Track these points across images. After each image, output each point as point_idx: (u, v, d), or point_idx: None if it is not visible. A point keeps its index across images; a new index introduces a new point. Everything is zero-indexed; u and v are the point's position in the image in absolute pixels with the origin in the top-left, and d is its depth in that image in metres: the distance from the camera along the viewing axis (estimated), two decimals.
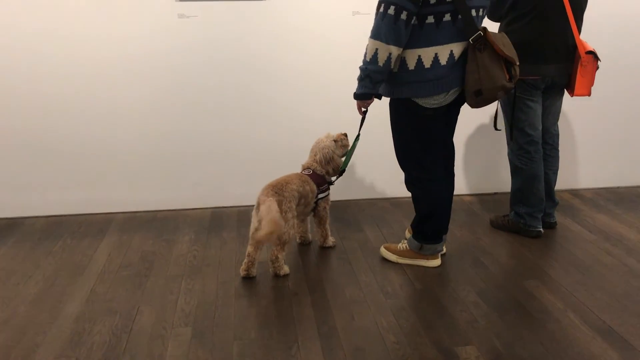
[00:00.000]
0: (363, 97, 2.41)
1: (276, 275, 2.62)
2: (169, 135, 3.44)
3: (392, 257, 2.76)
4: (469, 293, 2.52)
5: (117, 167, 3.44)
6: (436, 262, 2.73)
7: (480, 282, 2.61)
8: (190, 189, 3.56)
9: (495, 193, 3.85)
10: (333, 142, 2.84)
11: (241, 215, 3.48)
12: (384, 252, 2.80)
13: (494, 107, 2.55)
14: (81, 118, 3.33)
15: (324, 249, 2.94)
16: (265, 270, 2.69)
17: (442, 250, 2.78)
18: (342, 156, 2.88)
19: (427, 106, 2.40)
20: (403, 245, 2.77)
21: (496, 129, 2.68)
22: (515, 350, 2.10)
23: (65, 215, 3.45)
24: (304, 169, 2.82)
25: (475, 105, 2.42)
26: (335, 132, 2.94)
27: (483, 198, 3.77)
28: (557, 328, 2.24)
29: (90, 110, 3.32)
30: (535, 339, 2.17)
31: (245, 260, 2.62)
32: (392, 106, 2.51)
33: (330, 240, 2.94)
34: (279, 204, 2.52)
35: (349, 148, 2.85)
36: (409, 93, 2.38)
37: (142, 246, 3.02)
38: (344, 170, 2.87)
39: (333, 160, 2.82)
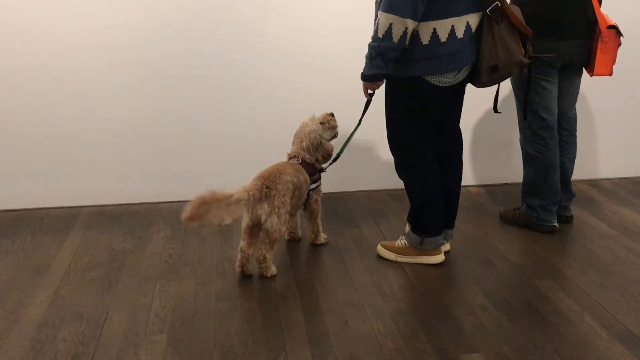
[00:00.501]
0: (373, 78, 2.39)
1: (262, 276, 2.63)
2: (142, 119, 3.42)
3: (391, 256, 2.78)
4: (475, 294, 2.53)
5: (83, 155, 3.42)
6: (439, 257, 2.75)
7: (489, 283, 2.63)
8: (165, 180, 3.55)
9: (506, 184, 3.87)
10: (320, 125, 2.82)
11: None
12: (381, 250, 2.82)
13: (495, 87, 2.57)
14: (41, 100, 3.30)
15: (315, 247, 2.95)
16: (251, 270, 2.70)
17: (445, 242, 2.79)
18: (331, 139, 2.88)
19: (439, 84, 2.40)
20: (402, 241, 2.78)
21: (496, 111, 2.70)
22: (526, 358, 2.12)
23: (24, 210, 3.44)
24: (290, 159, 2.81)
25: (489, 82, 2.43)
26: (321, 112, 2.92)
27: (492, 189, 3.78)
28: (572, 333, 2.27)
29: (53, 92, 3.30)
30: (548, 345, 2.19)
31: (239, 256, 2.64)
32: (391, 85, 2.51)
33: (322, 237, 2.95)
34: (271, 198, 2.51)
35: (349, 136, 2.84)
36: (422, 71, 2.36)
37: (111, 244, 3.02)
38: (338, 156, 2.87)
39: (322, 146, 2.81)
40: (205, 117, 3.45)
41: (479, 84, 2.49)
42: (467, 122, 3.69)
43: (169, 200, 3.57)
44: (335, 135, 2.89)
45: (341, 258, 2.85)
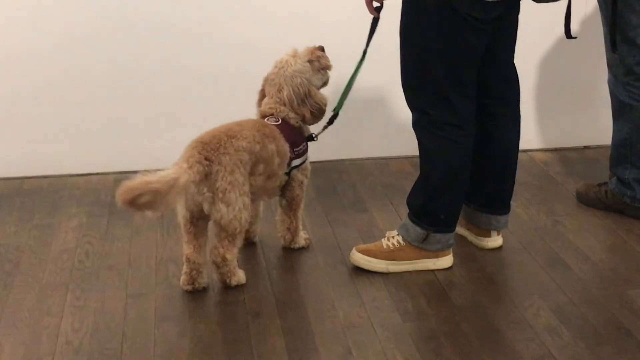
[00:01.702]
0: None
1: (225, 286, 2.63)
2: (38, 58, 3.44)
3: (378, 265, 2.75)
4: (540, 310, 2.54)
5: None
6: (448, 260, 2.78)
7: (559, 294, 2.64)
8: (79, 143, 3.55)
9: (586, 147, 3.87)
10: (307, 63, 2.79)
11: None
12: (359, 258, 2.76)
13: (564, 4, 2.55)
14: None
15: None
16: (204, 283, 2.67)
17: (454, 243, 2.80)
18: (321, 87, 2.84)
19: None
20: (392, 240, 2.76)
21: (569, 36, 2.67)
22: None
23: None
24: (264, 117, 2.76)
25: None
26: (304, 46, 2.88)
27: (566, 156, 3.79)
28: None
29: None
30: None
31: (185, 267, 2.61)
32: (413, 1, 2.50)
33: (302, 238, 2.92)
34: (212, 176, 2.48)
35: (350, 78, 2.80)
36: None
37: None
38: (336, 115, 2.84)
39: (311, 97, 2.76)
40: (143, 59, 3.49)
41: None
42: (529, 58, 3.68)
43: (86, 172, 3.56)
44: (326, 82, 2.85)
45: (342, 258, 2.86)
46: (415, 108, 2.66)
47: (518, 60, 3.66)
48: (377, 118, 3.70)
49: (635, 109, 3.02)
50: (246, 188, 2.56)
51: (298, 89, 2.73)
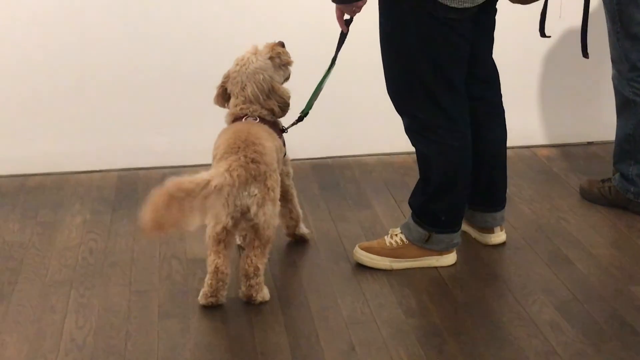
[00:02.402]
0: None
1: (248, 301, 2.55)
2: (43, 54, 3.44)
3: (381, 263, 2.75)
4: (543, 307, 2.54)
5: None
6: (452, 257, 2.78)
7: (563, 290, 2.64)
8: (81, 141, 3.55)
9: (590, 143, 3.86)
10: (268, 60, 2.74)
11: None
12: (362, 255, 2.76)
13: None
14: None
15: (303, 239, 2.95)
16: (203, 276, 2.63)
17: (460, 241, 2.79)
18: (283, 82, 2.82)
19: (454, 5, 2.41)
20: (396, 237, 2.76)
21: (543, 34, 2.66)
22: None
23: None
24: (236, 118, 2.70)
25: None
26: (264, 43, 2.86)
27: (569, 151, 3.78)
28: None
29: None
30: None
31: (210, 279, 2.54)
32: (389, 7, 2.50)
33: (304, 228, 2.94)
34: (262, 177, 2.45)
35: (319, 83, 2.78)
36: None
37: (2, 234, 3.03)
38: (305, 115, 2.83)
39: (274, 92, 2.73)
40: (140, 54, 3.49)
41: None
42: (532, 54, 3.68)
43: (90, 169, 3.56)
44: (287, 78, 2.82)
45: (344, 254, 2.86)
46: (404, 113, 2.66)
47: (522, 56, 3.68)
48: (380, 114, 3.69)
49: (639, 105, 3.01)
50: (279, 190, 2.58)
51: (261, 85, 2.70)
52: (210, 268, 2.50)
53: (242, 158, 2.44)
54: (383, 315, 2.50)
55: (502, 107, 2.84)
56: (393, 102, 2.68)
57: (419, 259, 2.74)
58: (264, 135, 2.59)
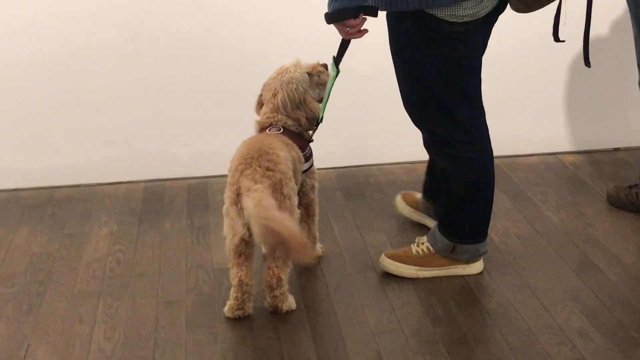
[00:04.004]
0: (340, 15, 2.41)
1: (275, 312, 2.55)
2: (69, 69, 3.47)
3: (407, 271, 2.75)
4: (571, 314, 2.53)
5: None
6: (478, 266, 2.78)
7: (591, 297, 2.63)
8: (109, 152, 3.58)
9: (616, 149, 3.85)
10: (306, 74, 2.75)
11: (194, 191, 3.50)
12: (389, 264, 2.76)
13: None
14: None
15: (329, 249, 2.96)
16: (230, 286, 2.63)
17: (487, 250, 2.78)
18: (319, 101, 2.80)
19: (454, 20, 2.40)
20: (422, 246, 2.76)
21: (557, 39, 2.65)
22: None
23: None
24: (263, 128, 2.70)
25: (525, 8, 2.46)
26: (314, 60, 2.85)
27: (596, 158, 3.76)
28: None
29: None
30: None
31: (235, 292, 2.53)
32: (394, 24, 2.50)
33: (318, 246, 2.91)
34: (277, 185, 2.44)
35: (328, 84, 2.73)
36: (423, 0, 2.35)
37: (30, 246, 3.05)
38: (321, 120, 2.79)
39: (305, 104, 2.73)
40: (172, 70, 3.52)
41: (520, 5, 2.46)
42: (558, 61, 3.69)
43: (116, 180, 3.59)
44: (320, 99, 2.80)
45: (370, 263, 2.86)
46: (422, 128, 2.67)
47: (547, 63, 3.67)
48: (404, 122, 3.67)
49: None
50: (297, 199, 2.57)
51: (293, 94, 2.70)
52: (234, 281, 2.51)
53: (257, 169, 2.44)
54: (410, 324, 2.50)
55: None
56: (410, 117, 2.68)
57: (445, 267, 2.74)
58: (279, 145, 2.57)
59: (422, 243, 2.76)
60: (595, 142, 3.84)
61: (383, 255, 2.79)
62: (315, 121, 2.76)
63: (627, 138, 3.82)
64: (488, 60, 3.59)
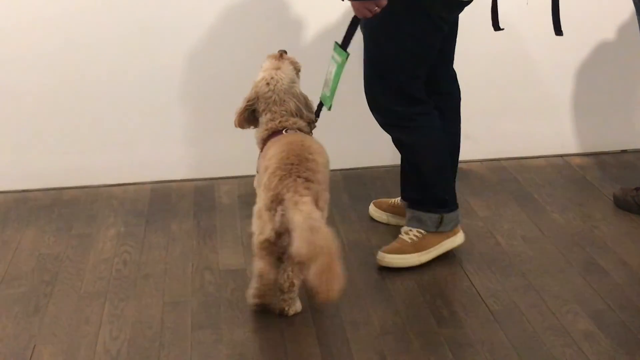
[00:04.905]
0: None
1: (282, 314, 2.55)
2: (77, 70, 3.49)
3: (412, 260, 2.80)
4: (576, 316, 2.53)
5: None
6: (461, 235, 2.90)
7: (596, 299, 2.63)
8: (116, 153, 3.59)
9: (624, 151, 3.84)
10: (293, 71, 2.70)
11: (200, 193, 3.51)
12: (391, 259, 2.79)
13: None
14: None
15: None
16: (236, 287, 2.72)
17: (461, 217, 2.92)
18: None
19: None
20: (410, 234, 2.81)
21: (497, 28, 2.66)
22: None
23: None
24: (274, 132, 2.62)
25: None
26: (266, 52, 2.80)
27: (603, 160, 3.76)
28: None
29: None
30: None
31: (254, 282, 2.54)
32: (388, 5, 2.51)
33: None
34: (317, 199, 2.39)
35: (332, 74, 2.68)
36: None
37: (37, 246, 3.06)
38: (329, 109, 2.74)
39: (308, 104, 2.72)
40: (171, 66, 3.52)
41: None
42: (565, 63, 3.68)
43: (123, 182, 3.60)
44: None
45: (376, 264, 2.86)
46: (379, 108, 2.76)
47: (554, 64, 3.67)
48: None
49: None
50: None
51: (300, 98, 2.70)
52: (255, 272, 2.53)
53: (297, 180, 2.38)
54: (415, 326, 2.50)
55: (460, 113, 2.97)
56: (368, 96, 2.76)
57: (439, 245, 2.84)
58: (317, 149, 2.55)
59: (410, 231, 2.83)
60: (602, 144, 3.84)
61: (382, 253, 2.82)
62: (314, 119, 2.74)
63: (634, 140, 3.81)
64: (495, 61, 3.63)
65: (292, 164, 2.42)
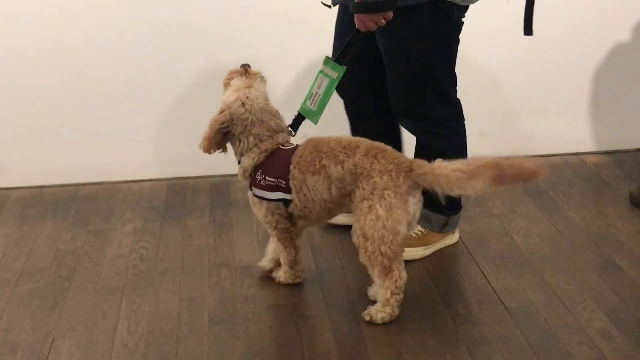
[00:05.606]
0: (383, 6, 2.44)
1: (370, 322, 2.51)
2: (94, 66, 3.50)
3: (416, 253, 2.87)
4: (593, 314, 2.53)
5: (11, 119, 3.51)
6: (456, 234, 3.00)
7: (612, 296, 2.62)
8: (133, 150, 3.61)
9: (639, 149, 3.84)
10: (265, 86, 2.61)
11: (216, 190, 3.52)
12: None
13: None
14: None
15: (347, 242, 2.95)
16: (252, 283, 2.73)
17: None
18: None
19: (466, 4, 2.60)
20: (415, 229, 2.81)
21: (527, 32, 2.63)
22: None
23: None
24: (274, 150, 2.54)
25: None
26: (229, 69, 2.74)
27: (619, 158, 3.76)
28: None
29: None
30: None
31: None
32: (405, 18, 2.53)
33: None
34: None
35: (323, 89, 2.62)
36: None
37: (55, 242, 3.08)
38: (315, 123, 2.67)
39: (281, 118, 2.62)
40: (187, 62, 3.54)
41: None
42: (582, 62, 3.69)
43: (140, 178, 3.62)
44: None
45: None
46: (412, 115, 2.79)
47: (570, 63, 3.67)
48: None
49: None
50: None
51: (276, 114, 2.61)
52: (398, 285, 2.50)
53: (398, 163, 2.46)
54: (431, 323, 2.51)
55: None
56: (398, 107, 2.77)
57: (440, 241, 2.93)
58: (353, 140, 2.57)
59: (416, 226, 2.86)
60: (618, 142, 3.83)
61: None
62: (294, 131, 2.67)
63: None
64: (510, 60, 3.62)
65: (376, 158, 2.43)
